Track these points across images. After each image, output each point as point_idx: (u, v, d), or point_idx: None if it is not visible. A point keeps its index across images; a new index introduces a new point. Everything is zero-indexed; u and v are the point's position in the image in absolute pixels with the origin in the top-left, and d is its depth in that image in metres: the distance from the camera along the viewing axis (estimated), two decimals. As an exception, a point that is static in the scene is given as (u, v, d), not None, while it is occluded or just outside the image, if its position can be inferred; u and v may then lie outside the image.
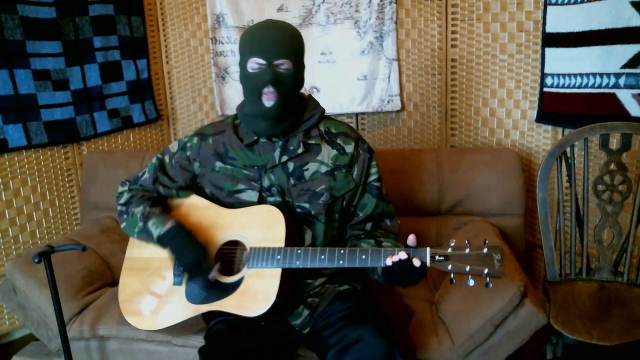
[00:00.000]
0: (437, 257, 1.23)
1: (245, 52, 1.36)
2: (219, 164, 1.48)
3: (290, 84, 1.36)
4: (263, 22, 1.38)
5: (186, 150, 1.52)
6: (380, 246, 1.41)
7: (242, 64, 1.37)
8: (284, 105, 1.36)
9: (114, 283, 1.89)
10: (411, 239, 1.27)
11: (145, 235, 1.47)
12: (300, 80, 1.42)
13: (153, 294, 1.49)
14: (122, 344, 1.65)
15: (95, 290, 1.83)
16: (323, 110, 1.49)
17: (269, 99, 1.34)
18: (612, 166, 1.72)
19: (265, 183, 1.44)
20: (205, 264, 1.38)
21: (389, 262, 1.25)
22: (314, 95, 1.54)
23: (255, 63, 1.34)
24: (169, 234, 1.42)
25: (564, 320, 1.52)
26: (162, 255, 1.49)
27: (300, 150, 1.42)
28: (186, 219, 1.49)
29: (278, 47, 1.32)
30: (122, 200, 1.56)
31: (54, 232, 2.35)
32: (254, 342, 1.38)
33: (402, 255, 1.23)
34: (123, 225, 1.54)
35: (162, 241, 1.43)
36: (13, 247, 2.20)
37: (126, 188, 1.58)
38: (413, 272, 1.23)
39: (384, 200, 1.51)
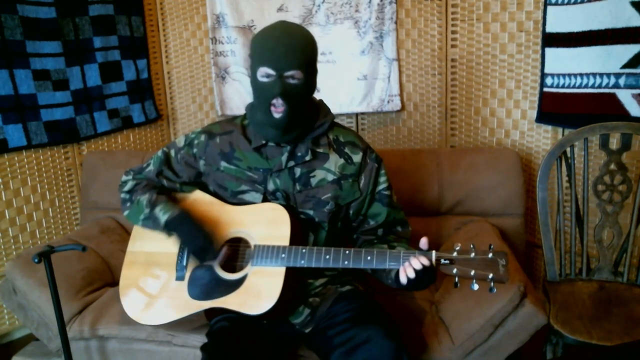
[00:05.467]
0: (442, 261, 1.24)
1: (256, 60, 1.33)
2: (224, 164, 1.48)
3: (300, 94, 1.34)
4: (275, 26, 1.34)
5: (192, 147, 1.52)
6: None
7: (253, 70, 1.35)
8: (293, 116, 1.35)
9: (114, 283, 1.89)
10: (423, 243, 1.26)
11: (150, 222, 1.46)
12: (312, 87, 1.40)
13: (155, 288, 1.49)
14: (122, 344, 1.65)
15: (95, 290, 1.83)
16: (333, 118, 1.48)
17: (277, 112, 1.33)
18: (612, 166, 1.72)
19: (271, 187, 1.44)
20: (212, 249, 1.39)
21: (410, 273, 1.23)
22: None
23: (265, 73, 1.31)
24: (176, 219, 1.42)
25: (564, 320, 1.52)
26: (164, 250, 1.49)
27: (307, 157, 1.42)
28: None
29: (288, 58, 1.29)
30: (126, 188, 1.55)
31: (54, 232, 2.35)
32: (256, 340, 1.38)
33: (425, 261, 1.22)
34: (126, 212, 1.54)
35: (169, 227, 1.43)
36: (13, 247, 2.20)
37: (130, 177, 1.57)
38: (427, 276, 1.24)
39: (395, 208, 1.51)
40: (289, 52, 1.29)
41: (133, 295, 1.51)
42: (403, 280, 1.26)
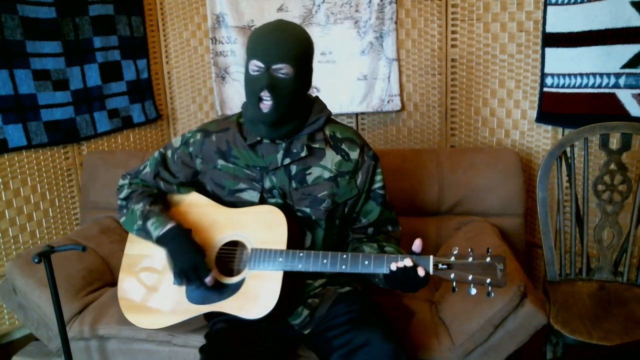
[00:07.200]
0: (440, 266, 1.23)
1: (249, 54, 1.35)
2: (221, 162, 1.47)
3: (288, 89, 1.33)
4: (270, 23, 1.35)
5: (189, 145, 1.51)
6: (382, 250, 1.40)
7: (246, 65, 1.36)
8: (282, 111, 1.34)
9: (114, 283, 1.89)
10: (417, 245, 1.26)
11: (144, 233, 1.46)
12: (303, 84, 1.38)
13: (153, 292, 1.49)
14: (122, 344, 1.65)
15: (95, 290, 1.83)
16: (329, 114, 1.47)
17: (265, 106, 1.33)
18: (612, 166, 1.72)
19: (267, 185, 1.43)
20: (201, 269, 1.37)
21: (393, 267, 1.24)
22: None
23: (255, 65, 1.32)
24: (167, 235, 1.42)
25: (564, 320, 1.52)
26: (162, 254, 1.49)
27: (303, 154, 1.41)
28: (186, 218, 1.48)
29: (278, 52, 1.29)
30: (122, 195, 1.55)
31: (54, 232, 2.35)
32: (254, 342, 1.38)
33: (408, 262, 1.23)
34: (122, 220, 1.53)
35: (160, 242, 1.43)
36: (13, 247, 2.20)
37: (127, 182, 1.57)
38: (417, 280, 1.23)
39: (387, 208, 1.50)
40: (278, 45, 1.29)
41: (131, 300, 1.51)
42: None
